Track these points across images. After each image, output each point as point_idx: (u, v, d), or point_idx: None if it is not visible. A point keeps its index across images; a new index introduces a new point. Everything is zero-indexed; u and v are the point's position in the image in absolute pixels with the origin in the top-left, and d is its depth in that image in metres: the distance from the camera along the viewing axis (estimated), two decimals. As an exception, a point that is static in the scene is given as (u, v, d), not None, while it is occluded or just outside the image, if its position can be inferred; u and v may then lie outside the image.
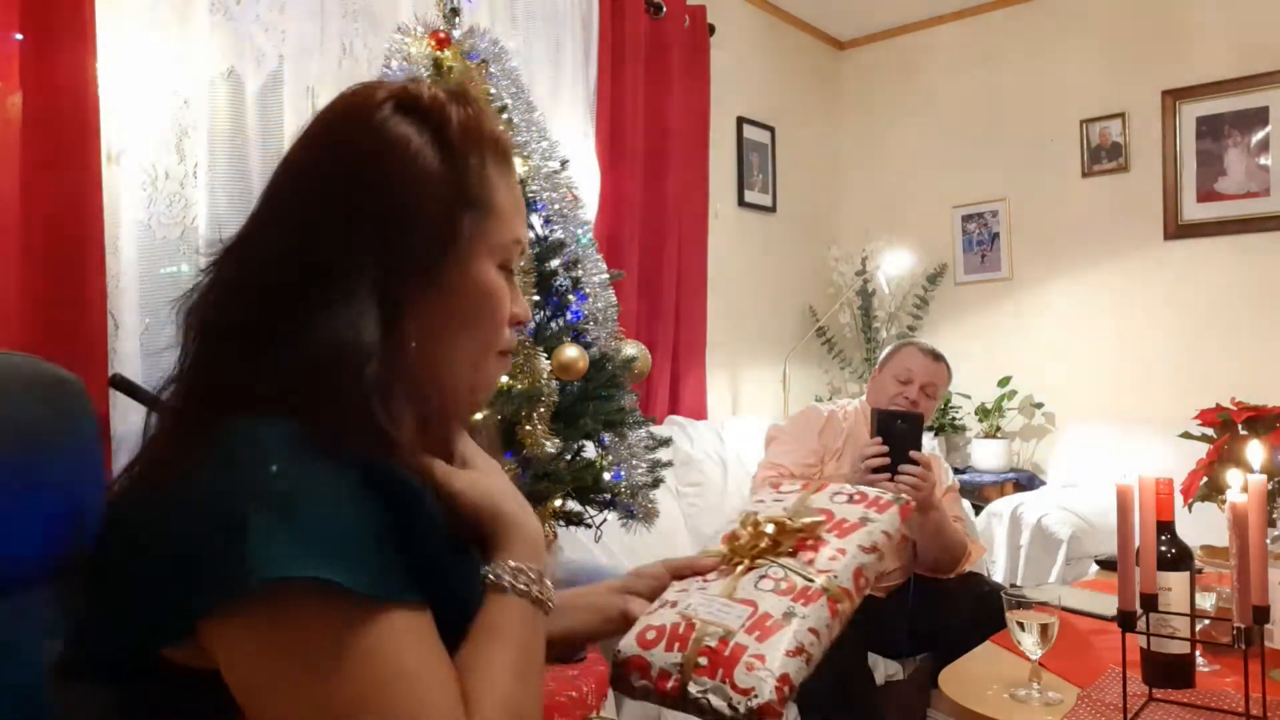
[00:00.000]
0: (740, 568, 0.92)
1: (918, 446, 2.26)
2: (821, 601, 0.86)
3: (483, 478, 0.75)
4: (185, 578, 0.58)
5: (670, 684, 0.82)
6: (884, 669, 2.25)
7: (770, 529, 0.94)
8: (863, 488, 1.03)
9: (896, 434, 2.24)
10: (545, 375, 1.78)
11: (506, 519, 0.73)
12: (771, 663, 0.80)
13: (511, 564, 0.70)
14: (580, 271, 1.92)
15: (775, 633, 0.83)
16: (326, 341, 0.65)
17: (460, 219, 0.71)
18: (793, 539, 0.93)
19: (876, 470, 2.22)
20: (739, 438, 3.24)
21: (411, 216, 0.69)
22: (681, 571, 0.96)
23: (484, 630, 0.68)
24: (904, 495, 1.02)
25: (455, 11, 1.94)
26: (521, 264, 1.77)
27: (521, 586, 0.70)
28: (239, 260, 0.70)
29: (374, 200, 0.69)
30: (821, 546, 0.93)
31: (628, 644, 0.87)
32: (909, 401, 2.42)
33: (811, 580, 0.88)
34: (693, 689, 0.82)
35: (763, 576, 0.90)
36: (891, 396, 2.45)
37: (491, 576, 0.70)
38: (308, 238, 0.68)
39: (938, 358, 2.52)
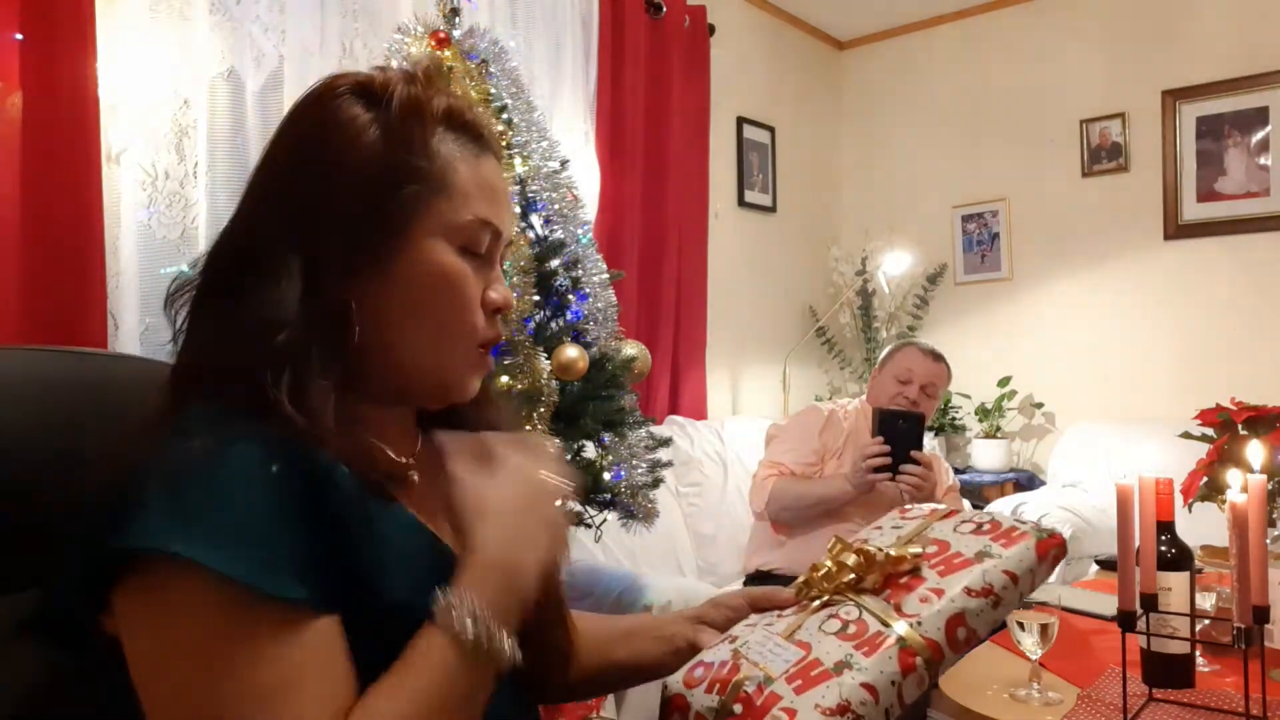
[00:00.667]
0: (816, 603, 0.80)
1: (919, 446, 2.27)
2: (891, 652, 0.72)
3: (485, 485, 0.71)
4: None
5: None
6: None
7: (852, 560, 0.80)
8: (996, 515, 0.87)
9: (898, 434, 2.24)
10: (545, 375, 1.78)
11: (475, 541, 0.68)
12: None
13: (455, 595, 0.64)
14: (580, 271, 1.92)
15: (818, 685, 0.71)
16: (240, 321, 0.65)
17: (396, 196, 0.69)
18: (880, 573, 0.79)
19: (878, 470, 2.22)
20: (739, 438, 3.24)
21: (345, 194, 0.68)
22: (760, 604, 0.87)
23: (401, 658, 0.62)
24: (1051, 527, 0.85)
25: (455, 11, 1.94)
26: (518, 263, 1.78)
27: (454, 624, 0.62)
28: (210, 249, 0.72)
29: (313, 180, 0.69)
30: (918, 584, 0.78)
31: (674, 680, 0.79)
32: (909, 401, 2.42)
33: (889, 625, 0.74)
34: None
35: (832, 616, 0.78)
36: (891, 396, 2.45)
37: (436, 600, 0.64)
38: (255, 221, 0.70)
39: (938, 358, 2.52)
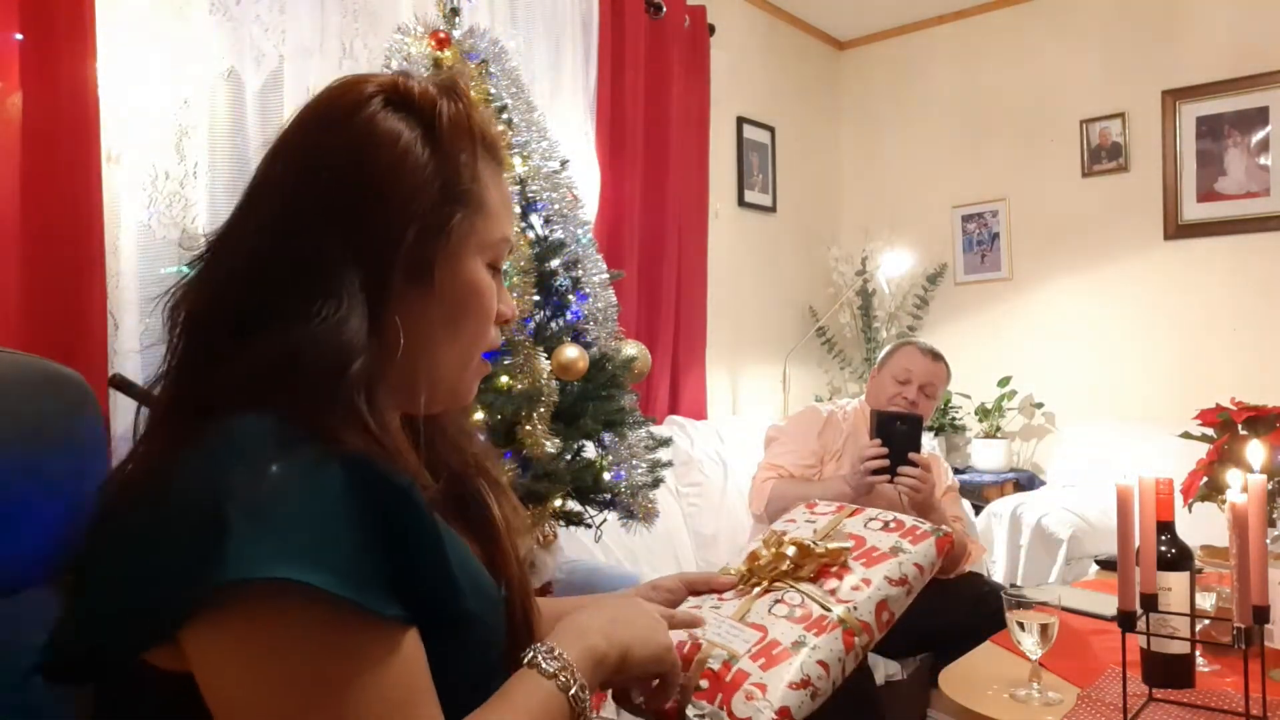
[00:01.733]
0: (757, 589, 0.88)
1: (917, 448, 2.26)
2: (836, 633, 0.82)
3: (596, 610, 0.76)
4: (161, 580, 0.56)
5: (669, 704, 0.79)
6: (884, 669, 2.25)
7: (792, 551, 0.89)
8: (900, 515, 0.98)
9: (896, 435, 2.24)
10: (545, 375, 1.78)
11: (583, 616, 0.74)
12: (772, 694, 0.77)
13: (557, 651, 0.69)
14: (580, 271, 1.92)
15: (781, 662, 0.79)
16: (313, 336, 0.63)
17: (450, 216, 0.70)
18: (815, 564, 0.89)
19: (876, 471, 2.22)
20: (739, 438, 3.24)
21: (401, 212, 0.68)
22: (698, 587, 0.93)
23: (502, 694, 0.66)
24: (944, 527, 0.96)
25: (455, 11, 1.94)
26: (518, 263, 1.78)
27: (562, 676, 0.67)
28: (224, 253, 0.69)
29: (362, 196, 0.67)
30: (846, 575, 0.88)
31: None
32: (908, 402, 2.42)
33: (829, 610, 0.83)
34: (691, 712, 0.79)
35: (778, 601, 0.86)
36: (890, 396, 2.45)
37: (532, 654, 0.68)
38: (294, 231, 0.67)
39: (937, 357, 2.52)
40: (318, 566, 0.55)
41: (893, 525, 0.95)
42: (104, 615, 0.59)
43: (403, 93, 0.71)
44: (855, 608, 0.84)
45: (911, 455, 2.23)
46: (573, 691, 0.67)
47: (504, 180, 0.77)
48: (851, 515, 0.99)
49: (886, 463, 2.22)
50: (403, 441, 0.67)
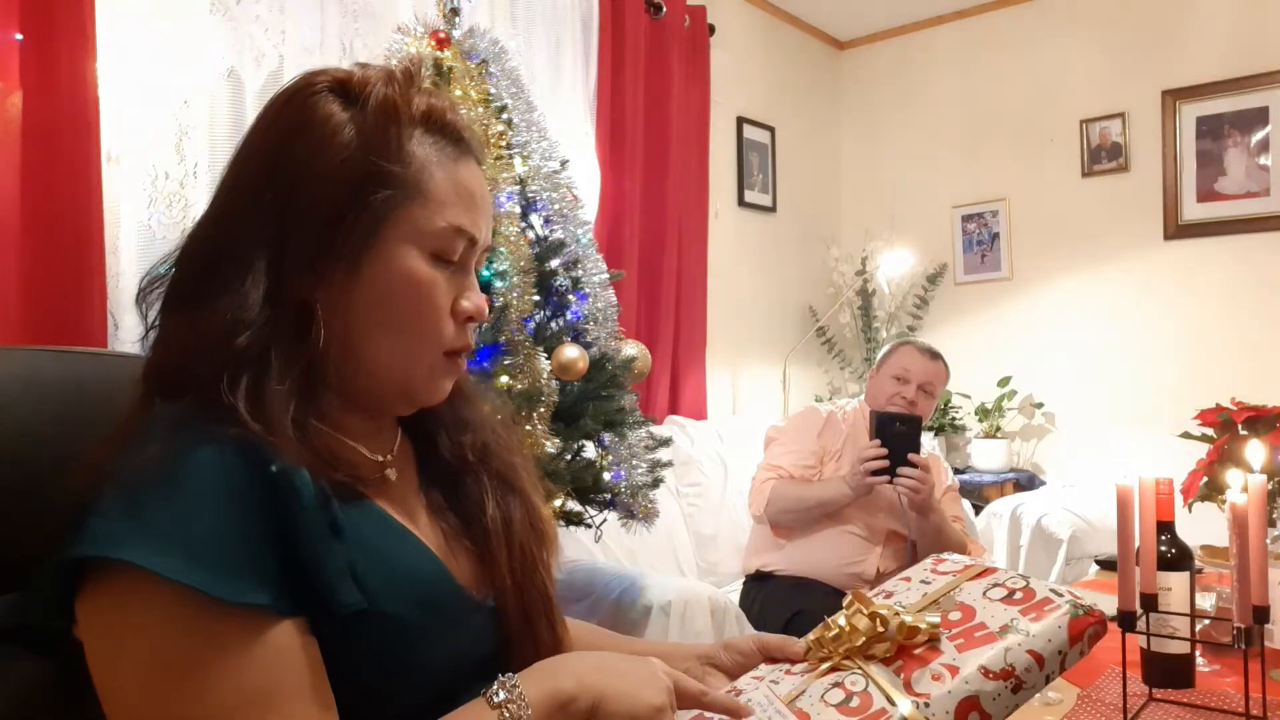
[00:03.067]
0: (825, 666, 0.75)
1: (916, 448, 2.26)
2: None
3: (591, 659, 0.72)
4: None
5: None
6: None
7: (864, 624, 0.74)
8: (1032, 583, 0.79)
9: (895, 436, 2.24)
10: (545, 375, 1.78)
11: (569, 660, 0.71)
12: None
13: (512, 683, 0.65)
14: (580, 271, 1.92)
15: None
16: (204, 320, 0.64)
17: (368, 200, 0.67)
18: (893, 642, 0.73)
19: (876, 472, 2.22)
20: (739, 438, 3.24)
21: (316, 196, 0.67)
22: (772, 652, 0.84)
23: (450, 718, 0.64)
24: (1086, 602, 0.76)
25: (455, 11, 1.94)
26: (518, 263, 1.78)
27: (506, 709, 0.64)
28: (183, 244, 0.71)
29: (283, 180, 0.67)
30: (933, 657, 0.71)
31: None
32: (906, 401, 2.42)
33: (892, 705, 0.68)
34: None
35: (837, 685, 0.72)
36: (889, 396, 2.44)
37: (494, 685, 0.66)
38: (221, 217, 0.69)
39: (935, 356, 2.51)
40: (168, 551, 0.55)
41: (1019, 596, 0.76)
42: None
43: (345, 80, 0.71)
44: (928, 704, 0.67)
45: (911, 456, 2.23)
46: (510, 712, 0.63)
47: (463, 167, 0.73)
48: (977, 577, 0.80)
49: (886, 463, 2.22)
50: (289, 425, 0.64)
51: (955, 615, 0.75)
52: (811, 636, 0.79)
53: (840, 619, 0.77)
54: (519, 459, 0.85)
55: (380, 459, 0.74)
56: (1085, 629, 0.73)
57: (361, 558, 0.64)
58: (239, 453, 0.60)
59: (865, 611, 0.75)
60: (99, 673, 0.58)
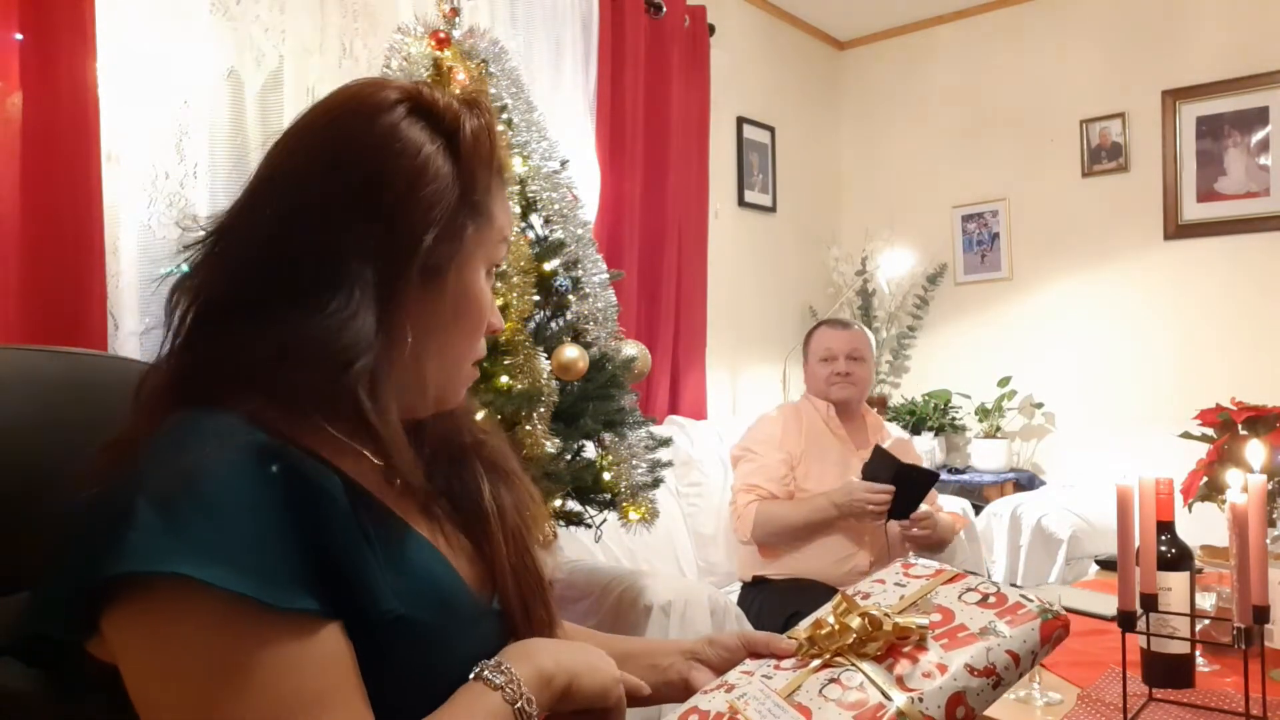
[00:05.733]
0: (817, 662, 0.78)
1: (921, 500, 2.34)
2: None
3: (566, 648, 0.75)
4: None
5: None
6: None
7: (856, 623, 0.78)
8: (1004, 588, 0.84)
9: (911, 486, 2.35)
10: (545, 375, 1.78)
11: (533, 644, 0.73)
12: None
13: (504, 666, 0.68)
14: (580, 271, 1.92)
15: None
16: (324, 328, 0.64)
17: (465, 225, 0.72)
18: (884, 640, 0.77)
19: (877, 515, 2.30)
20: (739, 438, 3.23)
21: (423, 216, 0.69)
22: (758, 649, 0.86)
23: (451, 704, 0.65)
24: (1056, 607, 0.82)
25: (455, 11, 1.94)
26: (518, 263, 1.78)
27: (509, 691, 0.66)
28: (235, 240, 0.69)
29: (386, 196, 0.68)
30: (921, 655, 0.76)
31: None
32: (843, 375, 2.54)
33: (890, 699, 0.72)
34: None
35: (833, 680, 0.76)
36: (826, 378, 2.56)
37: (479, 669, 0.68)
38: (314, 223, 0.67)
39: (847, 325, 2.64)
40: (214, 561, 0.55)
41: (992, 600, 0.81)
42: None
43: (427, 103, 0.72)
44: (921, 699, 0.72)
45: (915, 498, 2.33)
46: (518, 705, 0.66)
47: (506, 196, 0.79)
48: (949, 582, 0.86)
49: (886, 507, 2.29)
50: (404, 439, 0.69)
51: (935, 617, 0.80)
52: (803, 635, 0.82)
53: (830, 618, 0.81)
54: (502, 443, 0.87)
55: (381, 463, 0.74)
56: (1054, 631, 0.79)
57: (386, 564, 0.64)
58: (273, 460, 0.60)
59: (857, 611, 0.79)
60: (145, 688, 0.57)
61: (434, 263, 0.70)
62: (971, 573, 0.88)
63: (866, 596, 0.85)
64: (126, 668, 0.58)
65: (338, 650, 0.60)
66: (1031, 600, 0.81)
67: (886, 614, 0.78)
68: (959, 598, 0.83)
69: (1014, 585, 0.84)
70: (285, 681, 0.56)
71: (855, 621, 0.78)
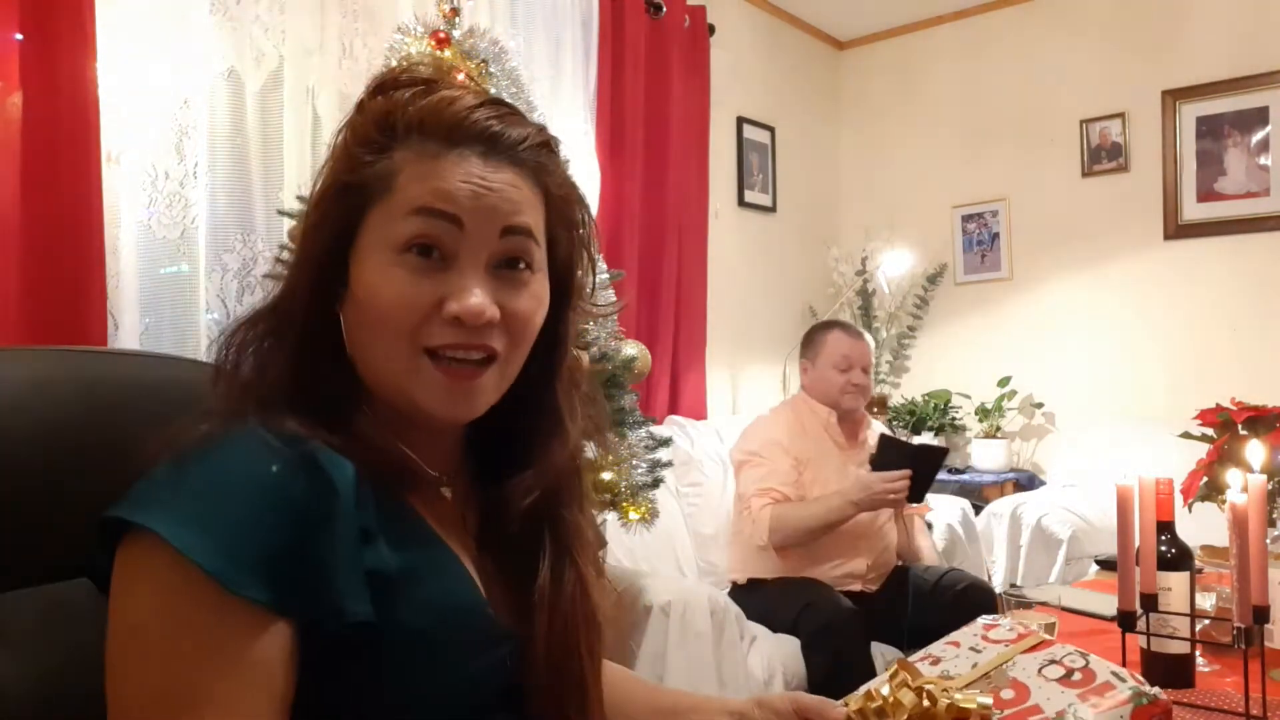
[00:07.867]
0: None
1: (934, 478, 2.39)
2: None
3: None
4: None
5: None
6: (883, 659, 2.26)
7: (909, 699, 0.69)
8: (1093, 663, 0.74)
9: (926, 465, 2.33)
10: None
11: None
12: None
13: None
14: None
15: None
16: (269, 355, 0.68)
17: (348, 212, 0.68)
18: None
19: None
20: (736, 440, 3.23)
21: (318, 212, 0.70)
22: (809, 715, 0.80)
23: None
24: (1154, 691, 0.72)
25: (455, 11, 1.94)
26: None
27: None
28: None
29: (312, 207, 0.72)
30: None
31: None
32: (859, 387, 2.53)
33: None
34: None
35: None
36: (840, 387, 2.53)
37: None
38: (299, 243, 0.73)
39: (860, 333, 2.65)
40: (187, 527, 0.57)
41: (1077, 677, 0.71)
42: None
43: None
44: None
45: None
46: None
47: (453, 158, 0.67)
48: (1032, 650, 0.76)
49: (908, 489, 2.31)
50: (394, 443, 0.69)
51: (1008, 693, 0.71)
52: (853, 707, 0.74)
53: (884, 689, 0.72)
54: (584, 519, 0.80)
55: (435, 474, 0.73)
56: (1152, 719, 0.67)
57: (395, 568, 0.63)
58: (285, 444, 0.61)
59: (911, 685, 0.70)
60: (110, 627, 0.60)
61: (333, 254, 0.68)
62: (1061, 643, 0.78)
63: (936, 661, 0.77)
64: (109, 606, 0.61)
65: (276, 646, 0.59)
66: (1125, 679, 0.71)
67: (946, 690, 0.70)
68: (1039, 671, 0.74)
69: (1110, 666, 0.70)
70: (194, 664, 0.57)
71: (908, 697, 0.69)
